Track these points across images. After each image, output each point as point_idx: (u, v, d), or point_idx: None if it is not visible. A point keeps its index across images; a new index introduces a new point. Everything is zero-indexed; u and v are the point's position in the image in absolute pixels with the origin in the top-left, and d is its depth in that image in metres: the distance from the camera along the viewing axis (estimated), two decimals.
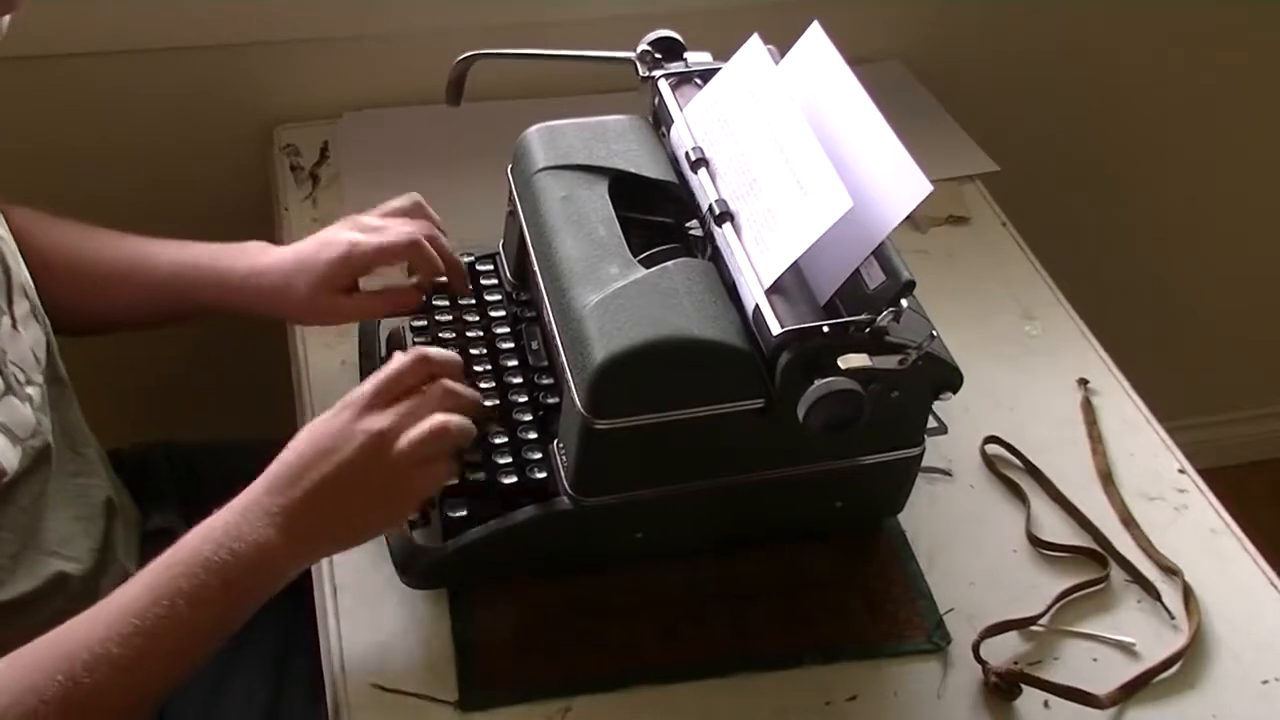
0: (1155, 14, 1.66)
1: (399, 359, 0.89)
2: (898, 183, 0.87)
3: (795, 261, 0.88)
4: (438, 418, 0.87)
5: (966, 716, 0.93)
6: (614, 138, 1.05)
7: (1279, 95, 1.79)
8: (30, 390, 0.94)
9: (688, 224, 1.02)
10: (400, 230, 1.04)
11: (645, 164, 1.03)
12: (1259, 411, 2.18)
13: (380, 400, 0.87)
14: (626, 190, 1.01)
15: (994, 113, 1.57)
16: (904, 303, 0.87)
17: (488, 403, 0.97)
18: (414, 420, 0.86)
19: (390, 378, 0.88)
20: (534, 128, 1.06)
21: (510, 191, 1.07)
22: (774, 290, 0.89)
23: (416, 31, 1.44)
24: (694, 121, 1.03)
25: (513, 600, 0.96)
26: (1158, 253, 1.88)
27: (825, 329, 0.86)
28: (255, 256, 1.07)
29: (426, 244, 1.04)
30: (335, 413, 0.87)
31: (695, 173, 0.99)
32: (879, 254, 0.89)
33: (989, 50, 1.63)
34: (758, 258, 0.91)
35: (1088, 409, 1.17)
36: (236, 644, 0.92)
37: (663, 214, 1.03)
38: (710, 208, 0.96)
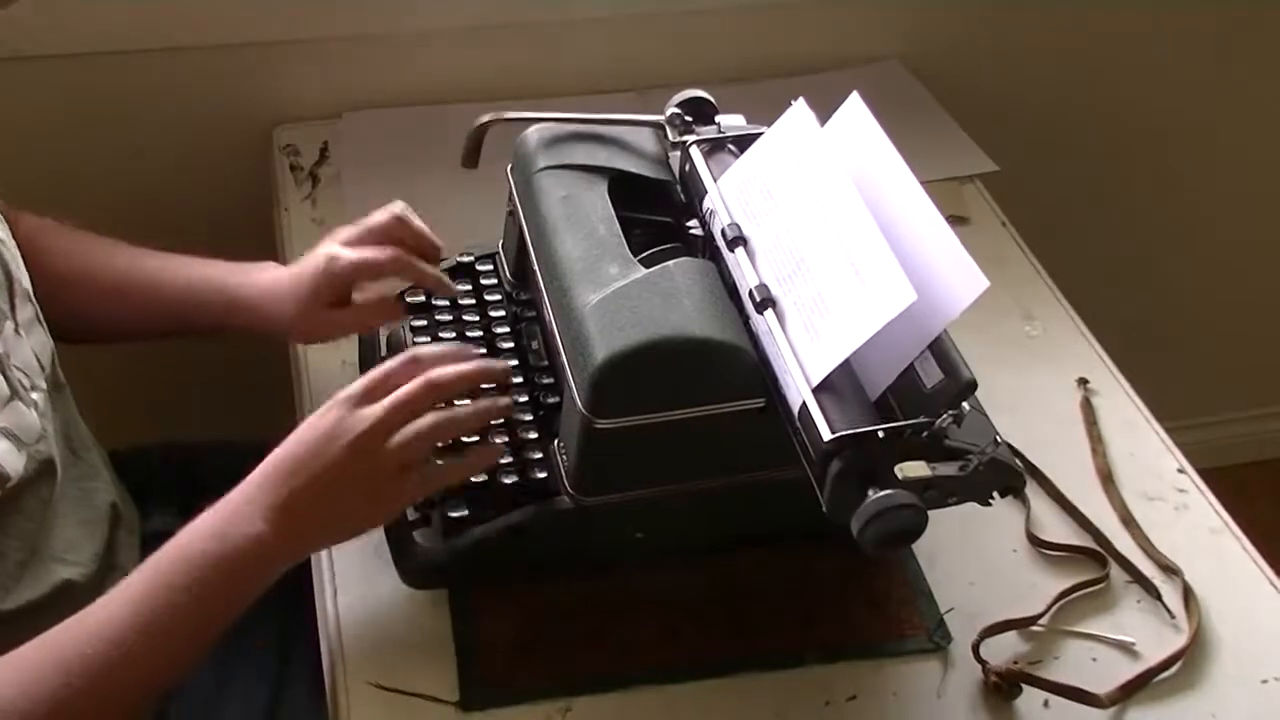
0: (1155, 14, 1.66)
1: (391, 360, 0.90)
2: (955, 274, 0.81)
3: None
4: (430, 417, 0.87)
5: (966, 716, 0.93)
6: (614, 138, 1.05)
7: (1279, 95, 1.79)
8: (35, 395, 0.94)
9: (688, 224, 1.02)
10: (381, 247, 1.03)
11: (645, 164, 1.03)
12: (1259, 411, 2.18)
13: (370, 397, 0.87)
14: (626, 190, 1.01)
15: (994, 113, 1.56)
16: (965, 405, 0.82)
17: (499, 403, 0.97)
18: (405, 418, 0.86)
19: (380, 376, 0.88)
20: (534, 128, 1.06)
21: (510, 191, 1.06)
22: (821, 387, 0.81)
23: (416, 31, 1.44)
24: (730, 194, 0.95)
25: (513, 600, 0.96)
26: (1158, 253, 1.88)
27: (880, 434, 0.79)
28: (260, 276, 1.08)
29: (409, 259, 1.02)
30: (326, 410, 0.88)
31: (732, 251, 0.91)
32: (936, 349, 0.82)
33: (989, 50, 1.63)
34: (804, 350, 0.83)
35: (1088, 409, 1.16)
36: (237, 644, 0.92)
37: (663, 214, 1.02)
38: (750, 293, 0.87)
